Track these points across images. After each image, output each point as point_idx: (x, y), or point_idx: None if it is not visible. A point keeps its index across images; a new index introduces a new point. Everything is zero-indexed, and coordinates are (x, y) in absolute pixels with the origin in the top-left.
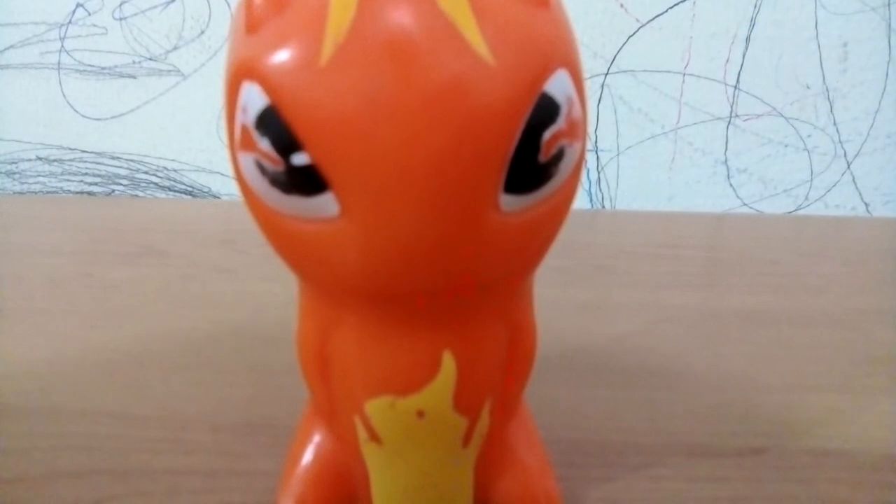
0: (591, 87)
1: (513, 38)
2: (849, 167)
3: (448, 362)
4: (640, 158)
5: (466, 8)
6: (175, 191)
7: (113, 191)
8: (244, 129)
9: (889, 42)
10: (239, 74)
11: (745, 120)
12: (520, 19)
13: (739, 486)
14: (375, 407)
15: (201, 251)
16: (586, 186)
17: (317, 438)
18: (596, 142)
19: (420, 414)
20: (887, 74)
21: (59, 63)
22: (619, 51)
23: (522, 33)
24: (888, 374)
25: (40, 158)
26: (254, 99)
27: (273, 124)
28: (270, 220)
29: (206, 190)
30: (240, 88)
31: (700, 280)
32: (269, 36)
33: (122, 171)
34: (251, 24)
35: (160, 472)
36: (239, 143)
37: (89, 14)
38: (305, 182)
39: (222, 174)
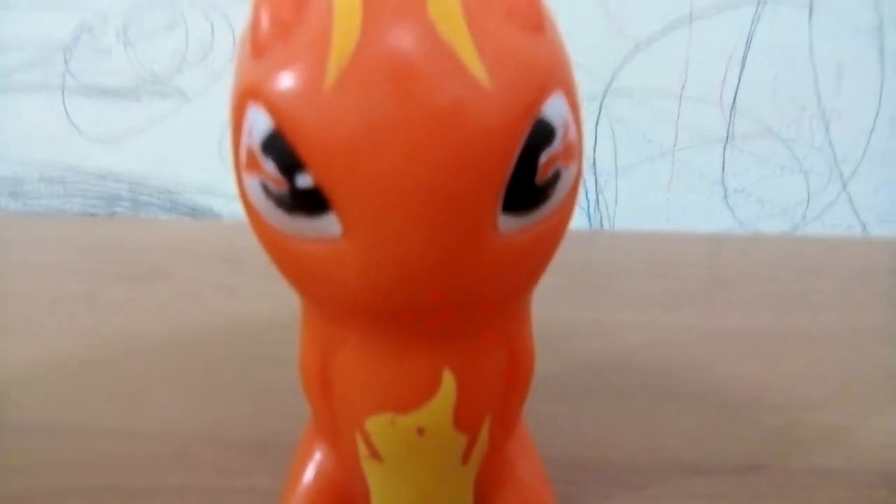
0: (588, 109)
1: (510, 62)
2: (845, 187)
3: (448, 380)
4: (638, 179)
5: (465, 33)
6: (177, 212)
7: (115, 212)
8: (249, 152)
9: (882, 64)
10: (245, 97)
11: (742, 141)
12: (516, 44)
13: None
14: (376, 424)
15: (203, 271)
16: (585, 207)
17: (318, 456)
18: (594, 163)
19: (420, 431)
20: (881, 96)
21: (63, 85)
22: (616, 73)
23: (519, 58)
24: (886, 392)
25: (44, 179)
26: (259, 122)
27: (278, 147)
28: (274, 240)
29: (208, 211)
30: (245, 111)
31: (698, 299)
32: (274, 60)
33: (125, 192)
34: (257, 48)
35: (163, 490)
36: (244, 165)
37: (93, 37)
38: (309, 203)
39: (224, 196)
